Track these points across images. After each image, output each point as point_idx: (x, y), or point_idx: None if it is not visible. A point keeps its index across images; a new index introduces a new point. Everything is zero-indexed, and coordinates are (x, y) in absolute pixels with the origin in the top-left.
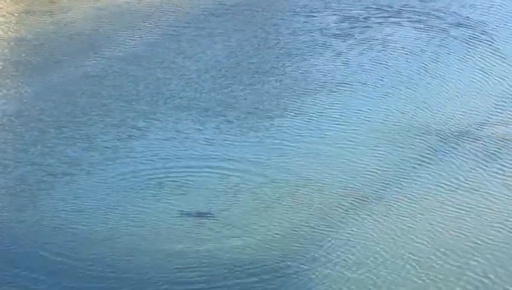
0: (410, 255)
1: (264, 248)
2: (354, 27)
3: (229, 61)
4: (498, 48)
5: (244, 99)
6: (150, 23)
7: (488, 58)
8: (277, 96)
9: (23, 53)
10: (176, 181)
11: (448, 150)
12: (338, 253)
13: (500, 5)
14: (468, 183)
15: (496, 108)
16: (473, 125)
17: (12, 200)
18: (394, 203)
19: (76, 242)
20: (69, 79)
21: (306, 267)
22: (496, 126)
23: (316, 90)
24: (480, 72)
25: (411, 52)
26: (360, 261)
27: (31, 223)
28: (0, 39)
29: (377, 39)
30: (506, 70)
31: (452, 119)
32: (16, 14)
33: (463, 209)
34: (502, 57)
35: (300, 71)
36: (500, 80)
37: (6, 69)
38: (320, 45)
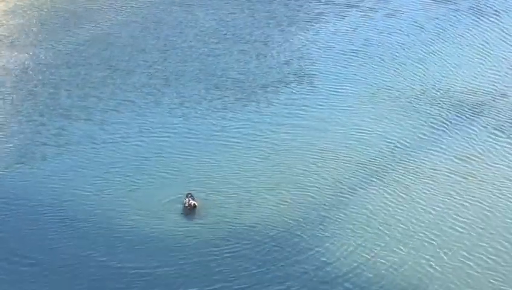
0: (424, 221)
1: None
2: None
3: (242, 28)
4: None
5: (251, 69)
6: None
7: (496, 31)
8: (282, 66)
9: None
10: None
11: (462, 122)
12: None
13: None
14: (482, 155)
15: (506, 80)
16: (485, 97)
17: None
18: (408, 172)
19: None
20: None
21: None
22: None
23: (326, 58)
24: (489, 44)
25: (420, 23)
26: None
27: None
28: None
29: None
30: None
31: (464, 90)
32: None
33: (477, 180)
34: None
35: (306, 41)
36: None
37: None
38: (327, 14)
